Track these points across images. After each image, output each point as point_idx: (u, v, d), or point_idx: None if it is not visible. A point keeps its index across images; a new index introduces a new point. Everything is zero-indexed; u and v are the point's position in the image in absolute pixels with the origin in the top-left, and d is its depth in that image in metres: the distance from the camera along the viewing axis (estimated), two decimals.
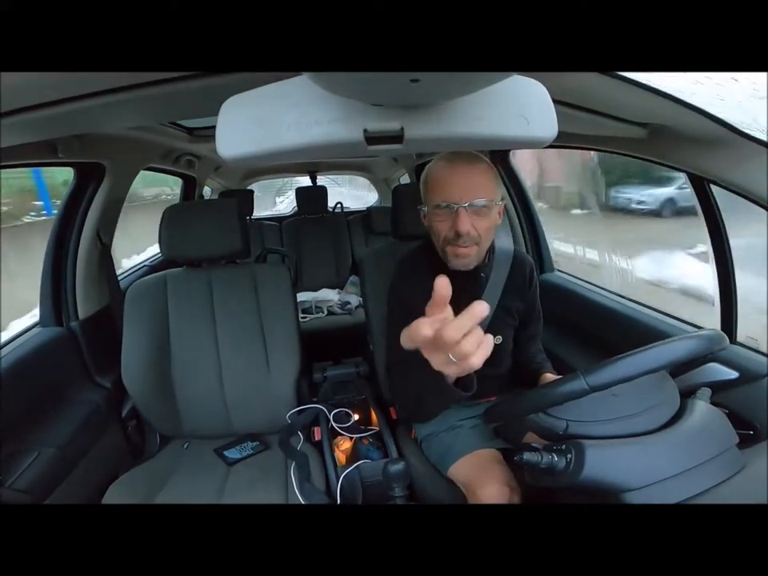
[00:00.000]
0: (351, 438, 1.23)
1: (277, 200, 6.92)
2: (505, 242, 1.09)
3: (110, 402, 1.31)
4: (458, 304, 1.08)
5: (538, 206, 1.86)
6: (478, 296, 1.05)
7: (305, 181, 3.47)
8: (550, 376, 1.07)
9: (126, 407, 1.35)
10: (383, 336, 1.21)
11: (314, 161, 3.03)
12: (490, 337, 0.50)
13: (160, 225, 1.27)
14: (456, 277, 1.00)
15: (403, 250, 1.26)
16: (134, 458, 1.33)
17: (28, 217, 3.46)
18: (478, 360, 0.48)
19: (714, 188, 0.98)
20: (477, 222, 0.91)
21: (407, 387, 0.93)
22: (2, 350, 1.16)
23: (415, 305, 0.99)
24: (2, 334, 1.29)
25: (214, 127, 0.45)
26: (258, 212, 3.47)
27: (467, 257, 0.95)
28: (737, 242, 1.01)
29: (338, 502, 1.05)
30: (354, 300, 2.43)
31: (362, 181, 4.04)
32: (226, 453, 1.25)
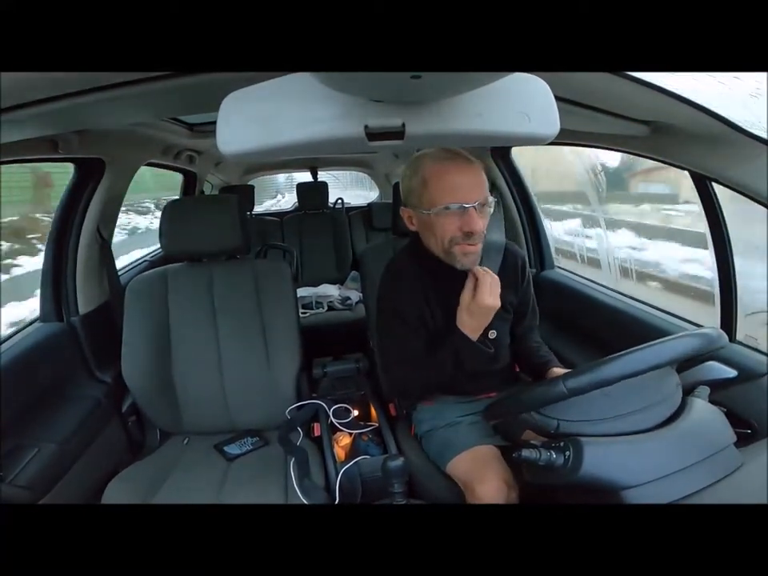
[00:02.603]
0: (351, 434, 1.23)
1: None
2: (496, 236, 1.09)
3: (110, 398, 1.31)
4: (452, 300, 1.09)
5: None
6: None
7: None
8: (557, 371, 1.07)
9: (126, 402, 1.34)
10: None
11: (314, 156, 3.02)
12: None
13: (161, 220, 1.27)
14: (450, 275, 1.01)
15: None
16: (134, 454, 1.33)
17: None
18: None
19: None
20: (483, 220, 0.93)
21: (438, 368, 1.01)
22: (3, 345, 1.16)
23: (407, 310, 1.01)
24: None
25: (214, 123, 0.45)
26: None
27: (476, 254, 0.96)
28: None
29: (337, 498, 1.06)
30: (355, 296, 2.42)
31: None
32: (225, 448, 1.25)
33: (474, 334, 0.96)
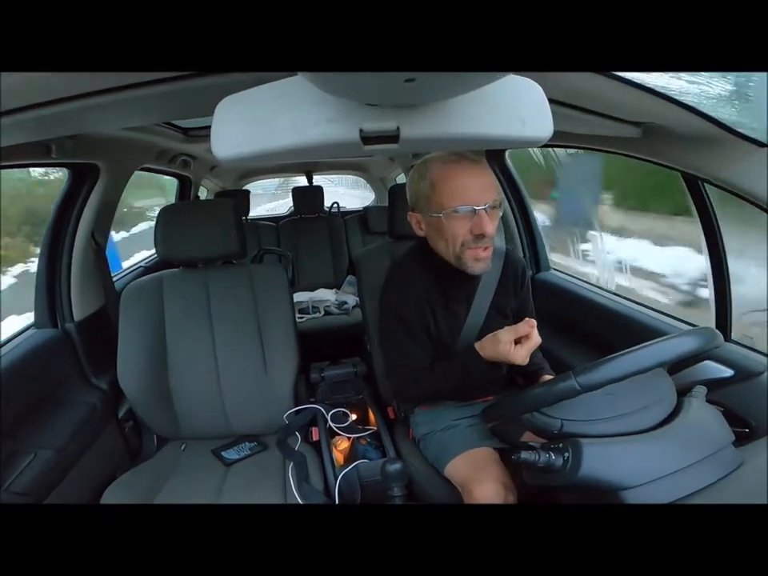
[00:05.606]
0: (349, 438, 1.23)
1: None
2: (496, 241, 1.09)
3: (106, 404, 1.30)
4: (452, 303, 1.08)
5: None
6: (470, 296, 1.06)
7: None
8: (547, 377, 1.07)
9: (123, 408, 1.34)
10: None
11: (310, 161, 3.02)
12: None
13: (155, 225, 1.27)
14: (457, 281, 1.01)
15: (400, 250, 1.25)
16: (132, 460, 1.32)
17: None
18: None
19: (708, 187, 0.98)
20: (493, 222, 0.92)
21: (442, 378, 1.01)
22: None
23: (410, 317, 1.00)
24: None
25: (209, 127, 0.45)
26: None
27: (487, 258, 0.95)
28: None
29: (337, 502, 1.05)
30: (351, 300, 2.42)
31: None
32: (223, 454, 1.24)
33: (488, 359, 0.94)
